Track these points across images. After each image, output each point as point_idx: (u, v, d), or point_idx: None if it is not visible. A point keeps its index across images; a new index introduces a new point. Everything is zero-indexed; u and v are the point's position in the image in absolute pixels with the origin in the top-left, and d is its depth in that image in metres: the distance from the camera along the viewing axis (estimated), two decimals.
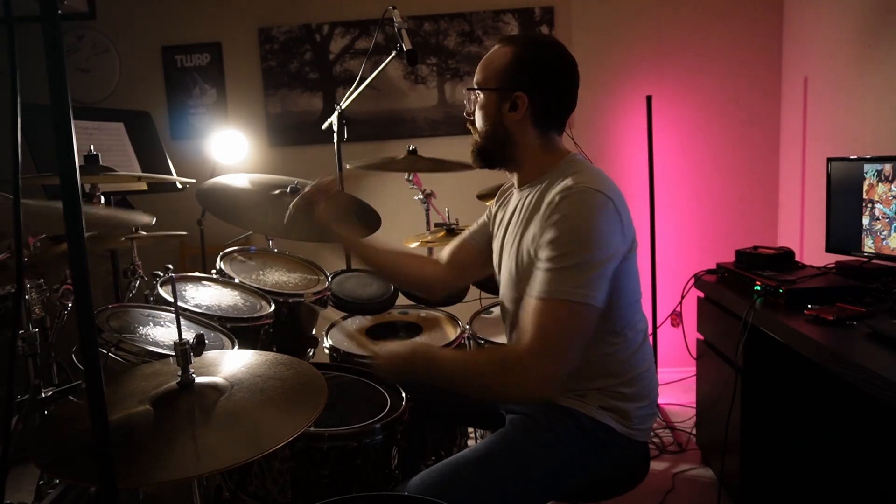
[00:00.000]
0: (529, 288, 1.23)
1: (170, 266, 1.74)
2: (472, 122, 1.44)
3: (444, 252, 1.67)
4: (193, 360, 1.12)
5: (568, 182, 1.26)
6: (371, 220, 2.02)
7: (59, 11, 0.73)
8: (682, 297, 2.42)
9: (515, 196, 1.47)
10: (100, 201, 1.81)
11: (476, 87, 1.40)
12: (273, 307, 1.80)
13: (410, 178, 2.45)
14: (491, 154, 1.42)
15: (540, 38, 1.39)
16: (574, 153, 1.41)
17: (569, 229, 1.21)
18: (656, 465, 2.50)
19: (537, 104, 1.35)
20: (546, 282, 1.20)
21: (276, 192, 1.92)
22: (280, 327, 1.84)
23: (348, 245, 1.67)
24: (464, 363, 1.32)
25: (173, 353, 1.12)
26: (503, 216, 1.50)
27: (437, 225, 2.47)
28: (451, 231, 2.34)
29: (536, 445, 1.30)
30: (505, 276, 1.42)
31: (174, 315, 1.20)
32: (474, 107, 1.42)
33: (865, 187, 2.03)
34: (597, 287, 1.19)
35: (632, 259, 1.31)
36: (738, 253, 2.25)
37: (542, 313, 1.18)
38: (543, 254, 1.22)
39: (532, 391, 1.22)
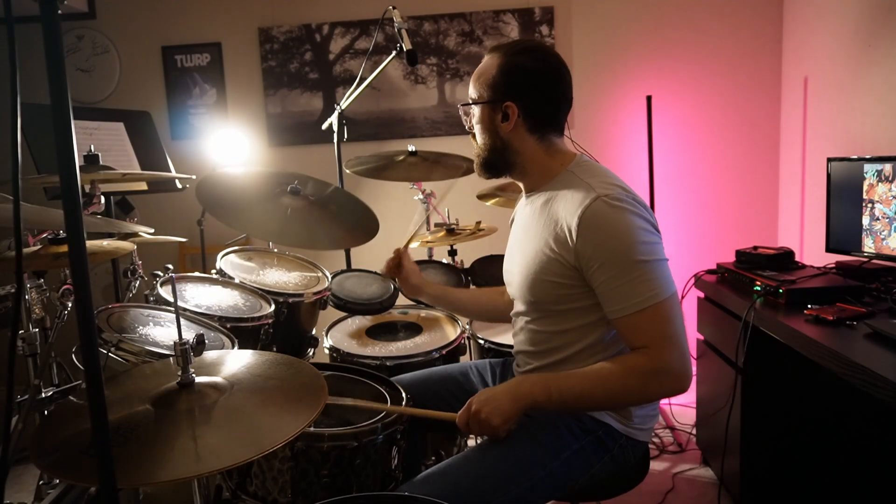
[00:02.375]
0: (613, 308, 1.24)
1: (170, 266, 1.74)
2: (474, 136, 1.45)
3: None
4: (193, 360, 1.12)
5: (588, 192, 1.26)
6: (368, 225, 2.02)
7: (59, 11, 0.73)
8: (682, 297, 2.42)
9: (525, 202, 1.48)
10: (100, 201, 1.81)
11: (470, 102, 1.42)
12: (273, 307, 1.80)
13: (413, 185, 2.45)
14: (494, 165, 1.43)
15: (524, 44, 1.39)
16: (580, 155, 1.41)
17: (615, 246, 1.22)
18: (656, 465, 2.50)
19: (528, 111, 1.35)
20: (622, 298, 1.22)
21: (276, 190, 1.92)
22: (280, 327, 1.84)
23: (434, 301, 1.81)
24: (586, 388, 1.26)
25: (173, 353, 1.12)
26: (516, 223, 1.52)
27: (437, 225, 2.47)
28: (451, 231, 2.34)
29: (537, 444, 1.31)
30: (518, 279, 1.41)
31: (174, 315, 1.20)
32: (472, 121, 1.43)
33: (865, 187, 2.03)
34: (665, 278, 1.23)
35: None
36: (738, 253, 2.25)
37: (647, 321, 1.22)
38: (604, 275, 1.23)
39: (680, 383, 1.24)
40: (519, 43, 1.39)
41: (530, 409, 1.27)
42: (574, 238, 1.25)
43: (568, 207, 1.28)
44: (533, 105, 1.35)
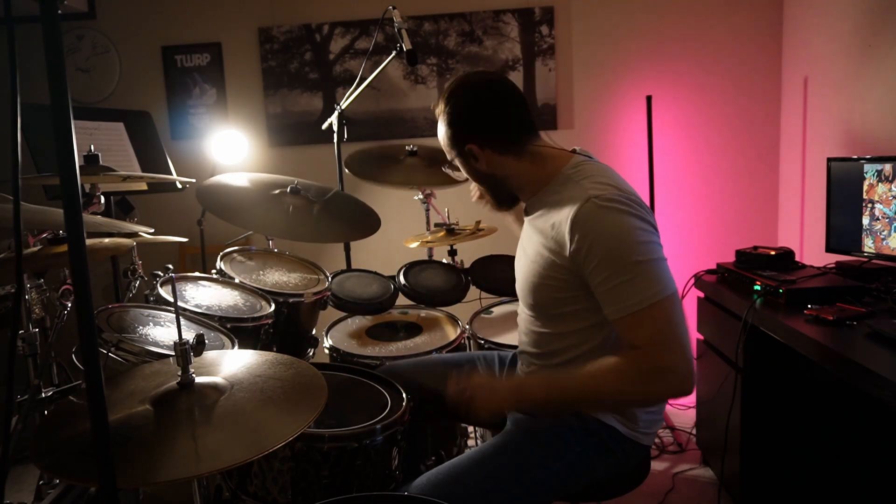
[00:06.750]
0: (611, 309, 1.22)
1: (170, 266, 1.74)
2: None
3: None
4: (193, 360, 1.12)
5: (581, 194, 1.25)
6: (370, 222, 2.02)
7: (59, 11, 0.73)
8: (682, 297, 2.42)
9: (528, 210, 1.47)
10: (100, 201, 1.81)
11: (448, 163, 1.46)
12: (273, 307, 1.79)
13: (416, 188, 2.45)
14: (502, 198, 1.48)
15: (448, 90, 1.38)
16: (576, 156, 1.40)
17: (609, 246, 1.20)
18: (656, 465, 2.50)
19: (486, 142, 1.36)
20: (620, 299, 1.20)
21: (276, 191, 1.92)
22: (280, 327, 1.84)
23: None
24: (585, 390, 1.24)
25: (173, 353, 1.12)
26: (523, 227, 1.51)
27: (436, 225, 2.47)
28: (451, 231, 2.34)
29: (540, 446, 1.31)
30: (521, 281, 1.43)
31: (174, 315, 1.20)
32: (463, 173, 1.47)
33: (865, 187, 2.03)
34: (661, 277, 1.20)
35: None
36: (738, 253, 2.25)
37: (646, 321, 1.19)
38: (600, 276, 1.22)
39: (682, 384, 1.22)
40: (449, 85, 1.39)
41: (530, 409, 1.26)
42: (568, 241, 1.24)
43: (562, 211, 1.27)
44: (487, 133, 1.35)
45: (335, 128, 2.53)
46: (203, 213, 2.75)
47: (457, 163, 1.43)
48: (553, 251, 1.29)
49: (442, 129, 1.40)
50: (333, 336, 2.04)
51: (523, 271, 1.40)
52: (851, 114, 2.59)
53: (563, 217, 1.26)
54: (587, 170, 1.33)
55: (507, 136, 1.36)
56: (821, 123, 2.87)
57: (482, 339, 1.98)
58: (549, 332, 1.39)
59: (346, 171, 2.39)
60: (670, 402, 2.97)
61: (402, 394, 1.45)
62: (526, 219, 1.46)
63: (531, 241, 1.38)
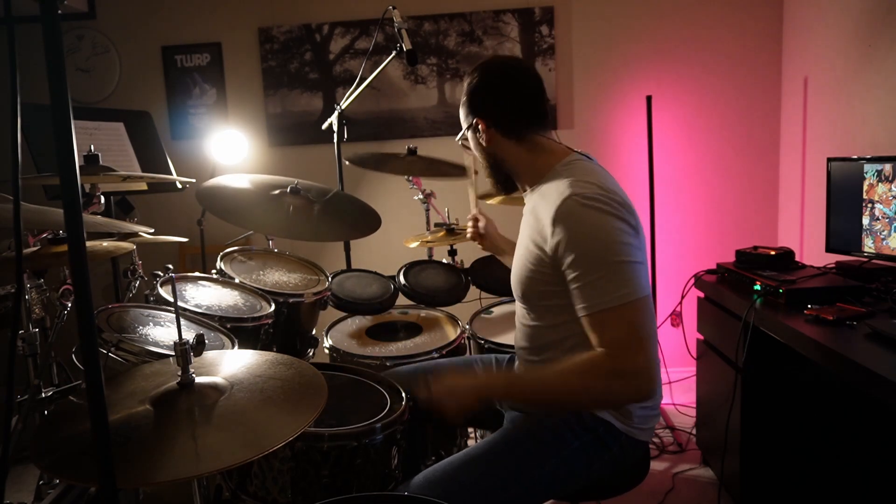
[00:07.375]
0: (581, 305, 1.23)
1: (170, 266, 1.74)
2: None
3: None
4: (193, 360, 1.12)
5: (564, 190, 1.27)
6: (370, 221, 2.02)
7: (59, 11, 0.73)
8: (682, 297, 2.42)
9: (525, 201, 1.50)
10: (100, 201, 1.81)
11: (461, 136, 1.52)
12: (273, 307, 1.79)
13: (410, 178, 2.45)
14: (499, 180, 1.50)
15: (479, 63, 1.47)
16: (572, 154, 1.41)
17: (585, 244, 1.22)
18: (656, 465, 2.50)
19: (493, 120, 1.41)
20: (590, 296, 1.21)
21: (276, 191, 1.92)
22: (280, 327, 1.84)
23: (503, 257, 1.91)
24: (547, 388, 1.26)
25: (173, 353, 1.12)
26: (522, 221, 1.53)
27: (436, 225, 2.47)
28: (451, 231, 2.34)
29: (538, 443, 1.31)
30: (513, 273, 1.46)
31: (174, 315, 1.20)
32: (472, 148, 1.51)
33: (865, 187, 2.03)
34: (634, 280, 1.20)
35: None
36: (738, 253, 2.25)
37: (614, 321, 1.19)
38: (573, 273, 1.23)
39: (646, 388, 1.19)
40: (481, 61, 1.47)
41: (492, 403, 1.31)
42: (549, 236, 1.26)
43: (547, 205, 1.30)
44: (495, 113, 1.41)
45: (335, 128, 2.53)
46: (203, 213, 2.75)
47: (467, 134, 1.49)
48: (538, 245, 1.31)
49: (462, 97, 1.47)
50: (333, 336, 2.04)
51: (517, 263, 1.43)
52: (851, 114, 2.59)
53: (547, 212, 1.28)
54: (576, 168, 1.35)
55: (515, 122, 1.40)
56: (821, 123, 2.88)
57: (482, 339, 1.98)
58: (540, 325, 1.40)
59: (346, 162, 2.39)
60: (670, 401, 2.97)
61: (402, 394, 1.45)
62: (524, 210, 1.48)
63: (525, 233, 1.41)
